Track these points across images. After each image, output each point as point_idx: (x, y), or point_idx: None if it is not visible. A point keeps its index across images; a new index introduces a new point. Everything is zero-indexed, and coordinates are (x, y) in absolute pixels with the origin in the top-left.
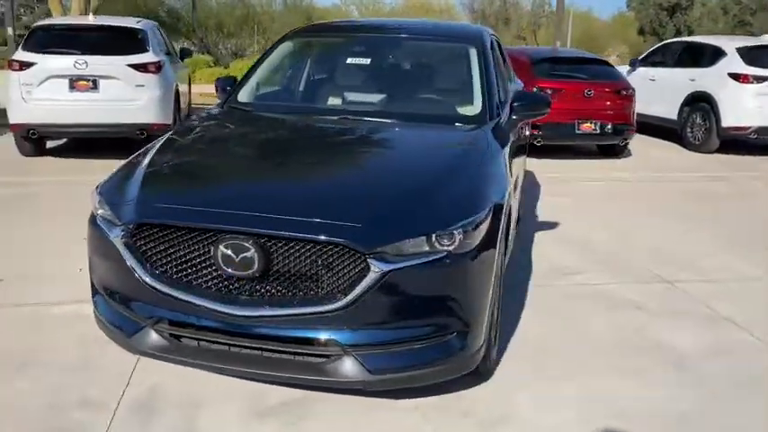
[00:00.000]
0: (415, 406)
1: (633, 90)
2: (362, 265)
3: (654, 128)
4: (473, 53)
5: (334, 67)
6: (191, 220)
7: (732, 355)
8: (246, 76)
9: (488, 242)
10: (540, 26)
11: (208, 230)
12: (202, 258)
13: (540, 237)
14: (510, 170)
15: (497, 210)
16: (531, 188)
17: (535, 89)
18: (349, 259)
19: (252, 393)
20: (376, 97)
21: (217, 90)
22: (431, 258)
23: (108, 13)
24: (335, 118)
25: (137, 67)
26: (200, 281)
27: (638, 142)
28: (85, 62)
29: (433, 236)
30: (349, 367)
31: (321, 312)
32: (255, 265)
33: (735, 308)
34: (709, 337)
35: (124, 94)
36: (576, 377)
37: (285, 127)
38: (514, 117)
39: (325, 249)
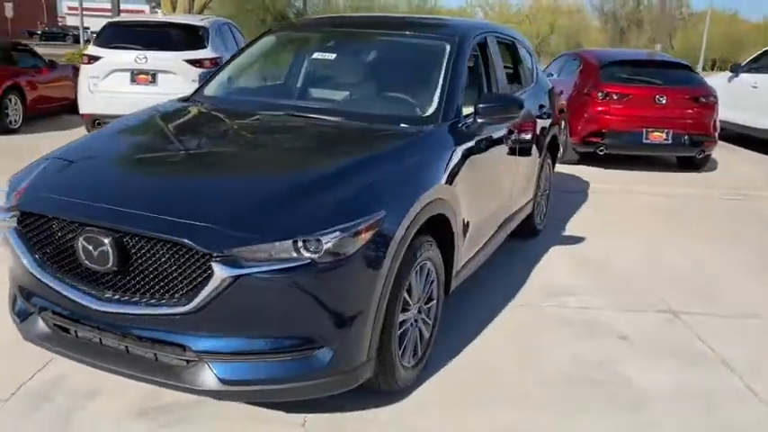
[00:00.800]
0: (303, 421)
1: (715, 98)
2: (208, 269)
3: (756, 141)
4: (446, 51)
5: (300, 64)
6: (56, 211)
7: (706, 401)
8: (218, 70)
9: (374, 250)
10: (676, 28)
11: (72, 222)
12: (71, 250)
13: (553, 252)
14: (456, 175)
15: (395, 217)
16: (573, 200)
17: (600, 94)
18: (196, 261)
19: (150, 391)
20: (331, 94)
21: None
22: (292, 265)
23: (231, 12)
24: (281, 114)
25: (193, 62)
26: (70, 273)
27: (731, 155)
28: (145, 57)
29: (299, 241)
30: (202, 375)
31: (172, 314)
32: (111, 261)
33: (737, 348)
34: (687, 379)
35: (180, 88)
36: (497, 409)
37: (216, 123)
38: (480, 120)
39: (174, 249)
